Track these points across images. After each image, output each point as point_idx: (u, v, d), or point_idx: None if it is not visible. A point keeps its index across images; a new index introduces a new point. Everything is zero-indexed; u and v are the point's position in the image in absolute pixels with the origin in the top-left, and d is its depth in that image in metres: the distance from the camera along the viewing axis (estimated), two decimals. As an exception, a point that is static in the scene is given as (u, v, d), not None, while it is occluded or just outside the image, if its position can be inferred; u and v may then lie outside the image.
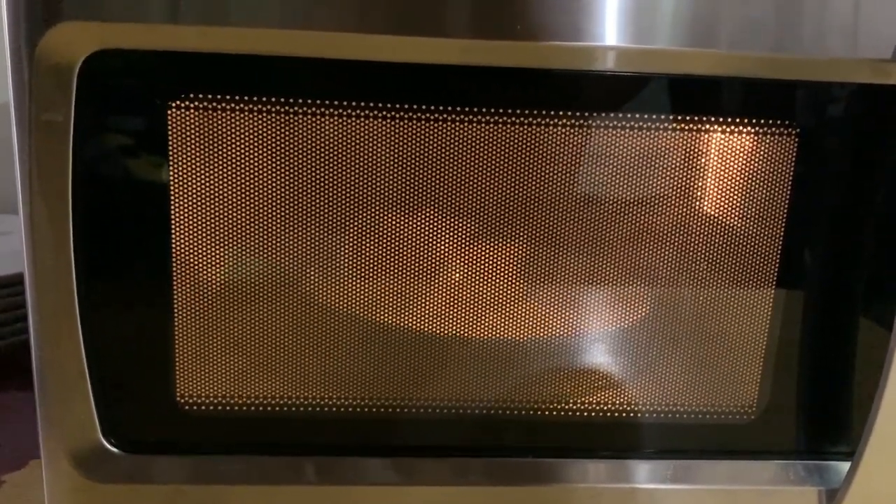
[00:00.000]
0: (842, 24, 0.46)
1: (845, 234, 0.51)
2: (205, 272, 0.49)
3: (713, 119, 0.48)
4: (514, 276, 0.51)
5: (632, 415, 0.54)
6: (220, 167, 0.48)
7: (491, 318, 0.52)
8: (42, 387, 0.48)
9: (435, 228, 0.49)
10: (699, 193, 0.51)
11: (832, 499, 0.53)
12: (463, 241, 0.50)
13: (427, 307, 0.51)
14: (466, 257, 0.50)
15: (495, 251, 0.50)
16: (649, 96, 0.48)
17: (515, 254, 0.50)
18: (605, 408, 0.53)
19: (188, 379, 0.50)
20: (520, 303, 0.52)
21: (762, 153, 0.49)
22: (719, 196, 0.51)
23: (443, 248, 0.50)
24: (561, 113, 0.47)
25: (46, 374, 0.48)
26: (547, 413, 0.53)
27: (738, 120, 0.48)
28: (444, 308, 0.51)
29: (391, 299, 0.51)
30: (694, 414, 0.54)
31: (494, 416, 0.53)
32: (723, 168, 0.50)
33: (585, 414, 0.53)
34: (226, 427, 0.52)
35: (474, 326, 0.52)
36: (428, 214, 0.49)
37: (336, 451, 0.53)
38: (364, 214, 0.49)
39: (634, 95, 0.48)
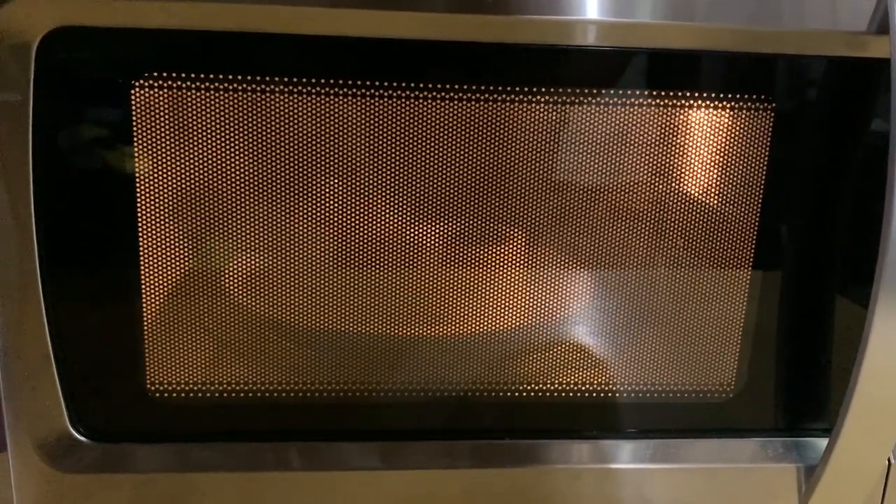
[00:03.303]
0: (818, -4, 0.45)
1: (822, 212, 0.51)
2: (174, 257, 0.48)
3: (687, 94, 0.48)
4: (491, 259, 0.50)
5: (611, 395, 0.53)
6: (188, 149, 0.46)
7: (467, 300, 0.51)
8: (6, 375, 0.47)
9: (409, 210, 0.49)
10: (674, 172, 0.50)
11: (811, 475, 0.53)
12: (437, 222, 0.49)
13: (401, 290, 0.50)
14: (441, 239, 0.49)
15: (471, 233, 0.50)
16: (623, 72, 0.47)
17: (492, 235, 0.50)
18: (585, 388, 0.53)
19: (158, 366, 0.49)
20: (497, 285, 0.51)
21: (738, 129, 0.49)
22: (695, 174, 0.51)
23: (417, 230, 0.49)
24: (534, 89, 0.47)
25: (10, 362, 0.46)
26: (527, 394, 0.53)
27: (713, 95, 0.48)
28: (418, 291, 0.50)
29: (364, 283, 0.50)
30: (673, 393, 0.53)
31: (475, 399, 0.52)
32: (698, 145, 0.50)
33: (564, 395, 0.53)
34: (198, 414, 0.51)
35: (450, 309, 0.51)
36: (402, 195, 0.48)
37: (314, 437, 0.52)
38: (338, 196, 0.48)
39: (608, 71, 0.47)
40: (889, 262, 0.45)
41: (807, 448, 0.54)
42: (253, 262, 0.49)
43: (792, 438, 0.55)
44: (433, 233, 0.49)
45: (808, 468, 0.53)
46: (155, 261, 0.48)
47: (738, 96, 0.48)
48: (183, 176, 0.47)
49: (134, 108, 0.45)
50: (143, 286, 0.48)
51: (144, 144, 0.46)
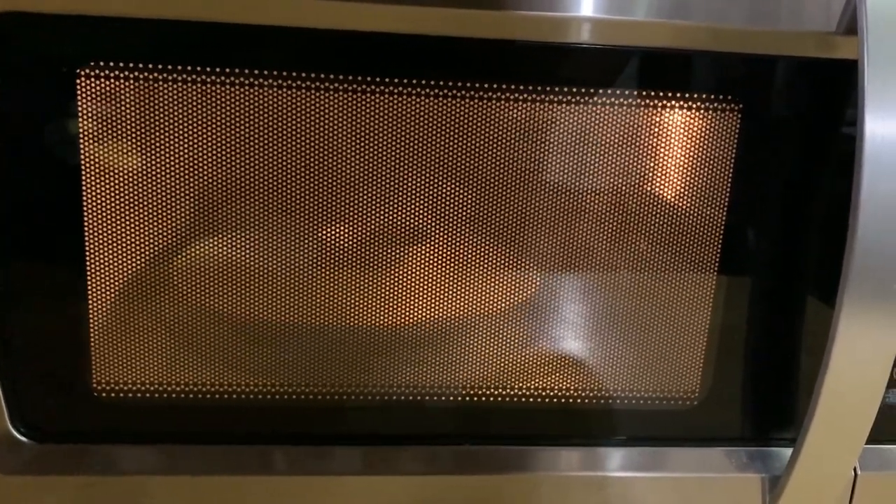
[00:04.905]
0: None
1: (790, 215, 0.50)
2: (122, 253, 0.47)
3: (652, 94, 0.47)
4: (460, 259, 0.49)
5: (575, 401, 0.52)
6: (137, 140, 0.45)
7: (440, 303, 0.50)
8: (-58, 372, 0.45)
9: (381, 209, 0.47)
10: (639, 173, 0.49)
11: (775, 485, 0.52)
12: (412, 222, 0.48)
13: (366, 290, 0.49)
14: (417, 239, 0.48)
15: (442, 232, 0.48)
16: (588, 71, 0.46)
17: (462, 235, 0.49)
18: (548, 393, 0.52)
19: (105, 366, 0.48)
20: (468, 286, 0.50)
21: (704, 130, 0.48)
22: (660, 175, 0.50)
23: (392, 229, 0.48)
24: (495, 86, 0.46)
25: (-54, 359, 0.45)
26: (489, 400, 0.51)
27: (678, 95, 0.47)
28: (393, 291, 0.49)
29: (326, 281, 0.49)
30: (636, 400, 0.52)
31: (430, 404, 0.51)
32: (663, 146, 0.49)
33: (527, 400, 0.52)
34: (145, 416, 0.49)
35: (427, 312, 0.50)
36: (371, 194, 0.47)
37: (270, 440, 0.51)
38: (303, 192, 0.46)
39: (574, 70, 0.46)
40: (853, 269, 0.44)
41: (772, 458, 0.53)
42: (207, 259, 0.48)
43: (757, 448, 0.54)
44: (402, 231, 0.48)
45: (772, 478, 0.52)
46: (102, 256, 0.46)
47: (704, 96, 0.47)
48: (133, 170, 0.45)
49: (80, 97, 0.43)
50: (90, 282, 0.46)
51: (91, 135, 0.44)
